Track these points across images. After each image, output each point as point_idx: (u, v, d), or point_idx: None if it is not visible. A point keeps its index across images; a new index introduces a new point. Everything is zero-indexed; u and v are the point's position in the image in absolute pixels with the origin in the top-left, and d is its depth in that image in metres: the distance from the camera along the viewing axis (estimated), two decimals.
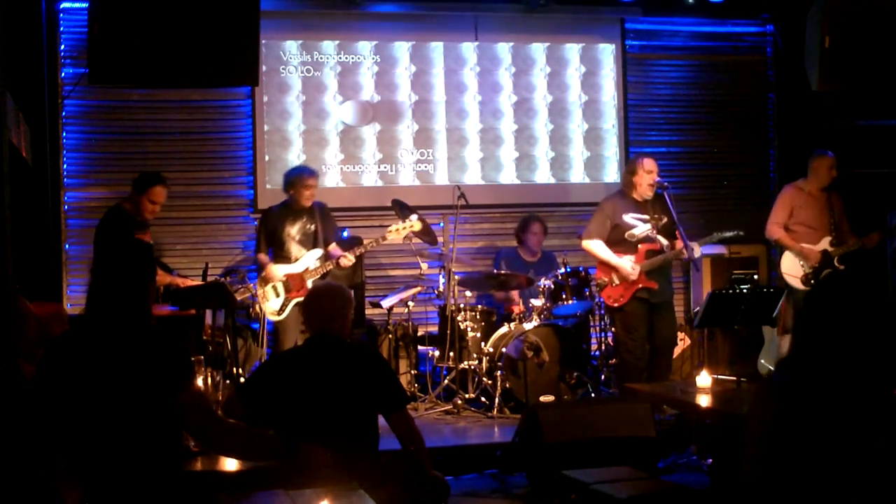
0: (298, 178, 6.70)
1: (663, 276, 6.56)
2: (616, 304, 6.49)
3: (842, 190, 7.17)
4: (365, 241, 6.81)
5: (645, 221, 6.46)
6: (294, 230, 6.69)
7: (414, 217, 6.78)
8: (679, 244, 6.37)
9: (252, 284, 6.65)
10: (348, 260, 6.62)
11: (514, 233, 7.88)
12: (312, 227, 6.72)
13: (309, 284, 6.54)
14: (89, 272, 3.21)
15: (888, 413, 2.61)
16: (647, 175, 6.49)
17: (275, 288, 6.60)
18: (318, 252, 6.69)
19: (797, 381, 2.67)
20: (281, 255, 6.67)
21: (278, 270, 6.61)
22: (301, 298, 6.51)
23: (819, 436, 2.60)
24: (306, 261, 6.65)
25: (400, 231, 6.71)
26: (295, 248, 6.68)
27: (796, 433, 2.61)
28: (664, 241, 6.45)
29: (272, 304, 6.59)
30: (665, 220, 6.44)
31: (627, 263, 6.43)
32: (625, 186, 6.69)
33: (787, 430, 2.62)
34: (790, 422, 2.62)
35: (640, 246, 6.47)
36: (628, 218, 6.46)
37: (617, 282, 6.45)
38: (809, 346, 2.73)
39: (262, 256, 6.72)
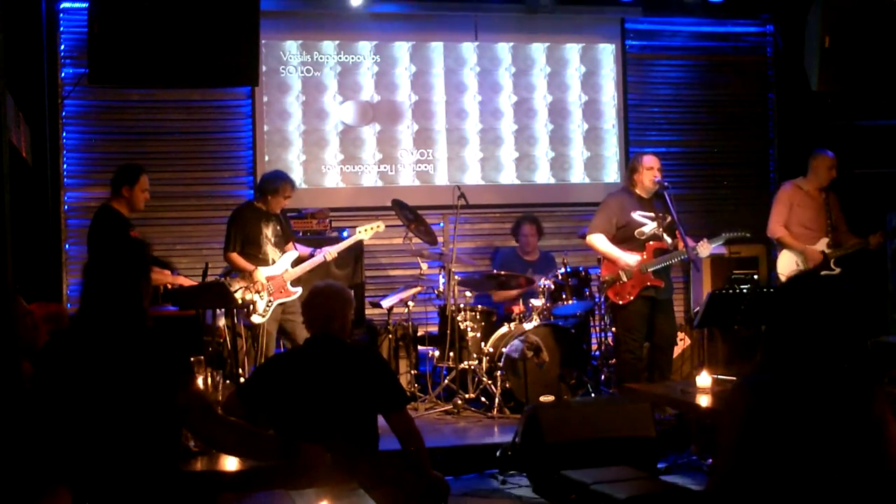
0: (283, 187, 6.65)
1: (666, 274, 6.57)
2: (622, 302, 6.46)
3: (842, 190, 7.16)
4: (331, 249, 6.79)
5: (651, 219, 6.47)
6: (269, 233, 6.69)
7: (379, 221, 7.01)
8: (682, 244, 6.37)
9: None
10: (331, 255, 6.72)
11: (511, 232, 7.95)
12: (279, 228, 6.76)
13: (288, 286, 6.60)
14: (81, 272, 3.18)
15: (867, 409, 2.59)
16: (648, 171, 6.50)
17: (259, 292, 6.58)
18: (294, 254, 6.72)
19: (771, 382, 2.65)
20: (257, 257, 6.63)
21: (261, 274, 6.57)
22: (284, 299, 6.57)
23: (798, 435, 2.58)
24: (283, 263, 6.67)
25: (367, 231, 6.86)
26: (271, 251, 6.68)
27: (774, 433, 2.59)
28: (669, 240, 6.46)
29: (258, 305, 6.56)
30: (668, 219, 6.45)
31: (630, 258, 6.41)
32: (627, 184, 6.68)
33: (761, 431, 2.59)
34: (763, 422, 2.59)
35: (647, 244, 6.47)
36: (637, 216, 6.47)
37: (625, 279, 6.42)
38: (779, 346, 2.71)
39: (237, 258, 6.60)
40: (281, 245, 6.74)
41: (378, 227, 6.94)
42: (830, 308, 2.69)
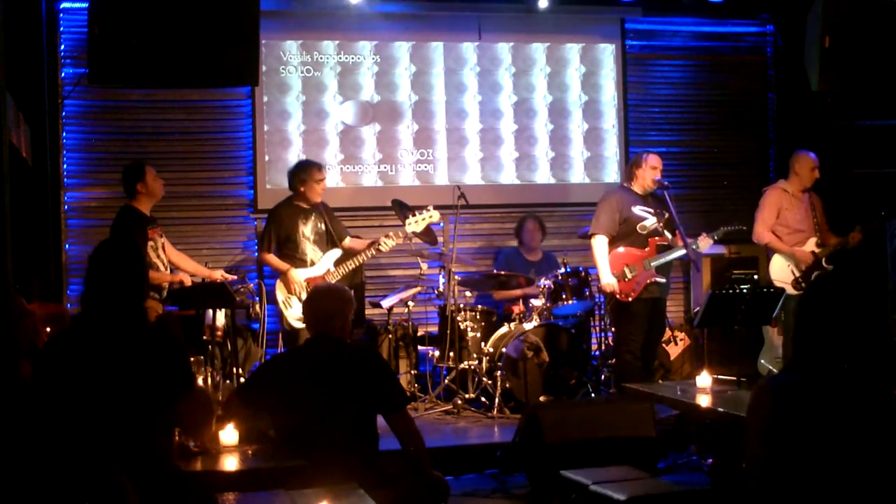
0: (308, 171, 6.59)
1: (666, 272, 6.59)
2: (629, 299, 6.43)
3: (842, 190, 7.14)
4: (390, 235, 6.56)
5: (651, 214, 6.48)
6: (308, 230, 6.58)
7: (431, 207, 6.70)
8: (680, 241, 6.38)
9: (252, 284, 6.62)
10: (387, 245, 6.49)
11: (514, 233, 7.95)
12: (323, 225, 6.65)
13: None
14: (84, 272, 3.21)
15: (889, 414, 2.60)
16: (651, 171, 6.52)
17: (298, 294, 6.45)
18: (337, 253, 6.59)
19: (796, 383, 2.67)
20: (295, 258, 6.54)
21: (299, 275, 6.46)
22: None
23: (819, 437, 2.59)
24: (326, 263, 6.56)
25: (420, 222, 6.60)
26: (310, 250, 6.57)
27: (796, 435, 2.60)
28: (669, 236, 6.47)
29: (296, 310, 6.38)
30: (667, 215, 6.47)
31: (610, 278, 6.41)
32: (626, 180, 6.70)
33: (787, 432, 2.61)
34: (789, 423, 2.61)
35: (650, 239, 6.48)
36: (637, 210, 6.48)
37: (629, 276, 6.43)
38: (806, 347, 2.72)
39: (272, 258, 6.55)
40: (323, 244, 6.62)
41: (431, 216, 6.65)
42: (858, 309, 2.69)
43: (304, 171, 6.62)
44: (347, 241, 6.71)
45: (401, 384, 4.16)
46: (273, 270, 6.77)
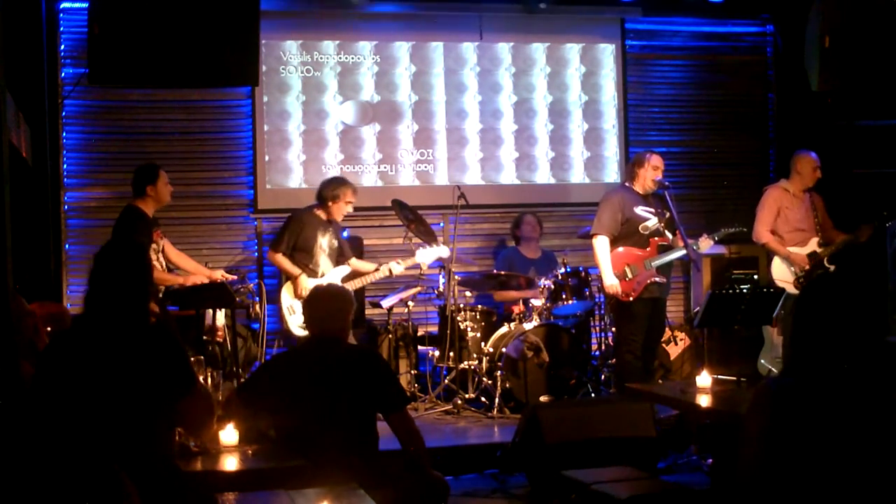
0: (344, 190, 6.58)
1: (667, 272, 6.59)
2: (631, 299, 6.41)
3: (842, 190, 7.13)
4: (399, 261, 6.83)
5: (653, 214, 6.49)
6: (325, 243, 6.60)
7: (443, 244, 6.93)
8: (681, 241, 6.38)
9: (252, 284, 6.62)
10: (396, 270, 6.74)
11: (510, 233, 7.95)
12: (336, 242, 6.70)
13: None
14: (88, 273, 3.21)
15: (888, 415, 2.60)
16: (653, 171, 6.51)
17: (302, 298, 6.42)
18: (346, 270, 6.64)
19: (795, 385, 2.66)
20: (307, 266, 6.53)
21: (309, 283, 6.43)
22: None
23: (819, 438, 2.59)
24: (333, 276, 6.56)
25: (430, 255, 6.81)
26: (323, 262, 6.59)
27: (795, 436, 2.60)
28: (670, 236, 6.48)
29: (299, 317, 6.34)
30: (668, 215, 6.47)
31: (614, 280, 6.40)
32: (628, 179, 6.68)
33: (786, 433, 2.61)
34: (788, 425, 2.61)
35: (651, 239, 6.48)
36: (639, 210, 6.48)
37: (630, 276, 6.43)
38: (804, 348, 2.72)
39: (283, 260, 6.52)
40: (334, 259, 6.65)
41: (441, 253, 6.87)
42: (855, 309, 2.69)
43: (341, 189, 6.61)
44: (353, 262, 6.77)
45: (401, 384, 4.16)
46: (276, 272, 6.77)
